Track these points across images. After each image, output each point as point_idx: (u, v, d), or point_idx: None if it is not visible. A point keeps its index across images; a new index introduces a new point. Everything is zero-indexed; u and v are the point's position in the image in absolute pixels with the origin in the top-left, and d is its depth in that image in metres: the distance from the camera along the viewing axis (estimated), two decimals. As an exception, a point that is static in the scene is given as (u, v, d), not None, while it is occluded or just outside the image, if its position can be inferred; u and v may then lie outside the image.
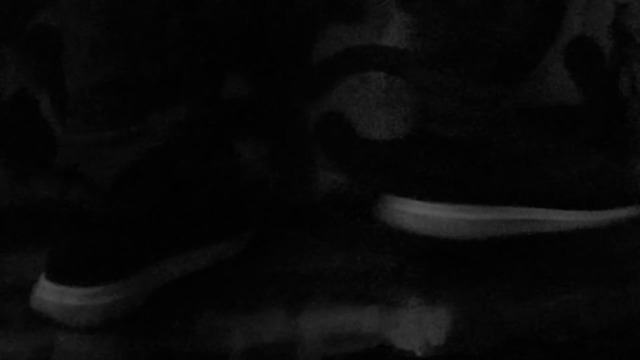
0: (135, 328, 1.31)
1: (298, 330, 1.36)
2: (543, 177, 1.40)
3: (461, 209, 1.37)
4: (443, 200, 1.37)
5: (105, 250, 1.29)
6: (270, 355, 1.31)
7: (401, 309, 1.39)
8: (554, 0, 1.42)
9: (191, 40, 1.32)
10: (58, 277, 1.28)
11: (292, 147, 1.53)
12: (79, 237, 1.29)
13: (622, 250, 1.43)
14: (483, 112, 1.36)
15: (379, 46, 1.52)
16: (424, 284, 1.39)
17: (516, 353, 1.40)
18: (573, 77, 1.53)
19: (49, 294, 1.28)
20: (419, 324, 1.39)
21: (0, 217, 1.51)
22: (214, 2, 1.35)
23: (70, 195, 1.30)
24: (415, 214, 1.37)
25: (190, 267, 1.37)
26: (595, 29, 1.52)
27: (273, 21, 1.49)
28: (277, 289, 1.38)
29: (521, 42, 1.39)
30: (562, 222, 1.41)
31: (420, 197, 1.37)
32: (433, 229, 1.37)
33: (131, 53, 1.29)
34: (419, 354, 1.39)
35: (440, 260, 1.42)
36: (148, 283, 1.33)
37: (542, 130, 1.41)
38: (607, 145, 1.54)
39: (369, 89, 1.53)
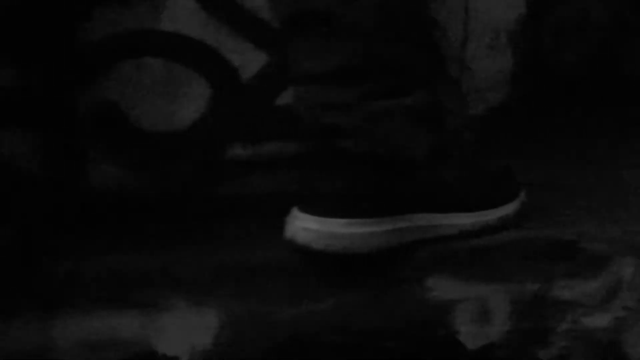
0: None
1: (52, 337, 1.30)
2: (440, 183, 1.38)
3: (366, 222, 1.34)
4: (336, 215, 1.33)
5: None
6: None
7: (165, 312, 1.34)
8: None
9: None
10: None
11: (62, 139, 1.46)
12: None
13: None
14: (382, 123, 1.33)
15: (156, 31, 1.46)
16: (190, 285, 1.34)
17: (291, 354, 1.36)
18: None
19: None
20: (185, 328, 1.34)
21: None
22: None
23: None
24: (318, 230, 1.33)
25: None
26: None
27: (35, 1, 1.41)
28: (31, 293, 1.32)
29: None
30: (459, 225, 1.39)
31: (324, 213, 1.33)
32: (340, 244, 1.33)
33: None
34: (184, 359, 1.34)
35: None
36: None
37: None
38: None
39: (145, 76, 1.47)
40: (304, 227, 1.34)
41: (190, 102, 1.49)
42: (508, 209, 1.46)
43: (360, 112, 1.32)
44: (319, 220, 1.33)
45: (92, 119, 1.46)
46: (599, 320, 1.44)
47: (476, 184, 1.45)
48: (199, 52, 1.47)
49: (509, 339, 1.42)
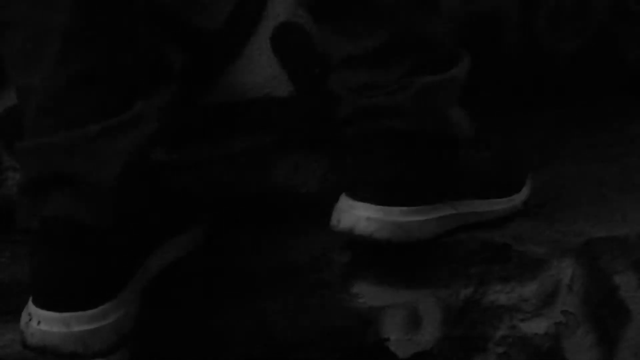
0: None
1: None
2: (478, 165, 1.43)
3: (423, 210, 1.37)
4: (396, 203, 1.35)
5: (105, 264, 1.23)
6: None
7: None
8: None
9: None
10: (58, 305, 1.22)
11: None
12: (72, 257, 1.23)
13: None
14: (428, 100, 1.36)
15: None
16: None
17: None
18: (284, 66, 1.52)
19: (52, 325, 1.22)
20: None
21: None
22: None
23: (51, 208, 1.23)
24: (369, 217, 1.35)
25: (165, 260, 1.33)
26: (300, 15, 1.52)
27: None
28: None
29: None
30: (497, 211, 1.44)
31: (373, 200, 1.35)
32: (405, 233, 1.36)
33: (105, 40, 1.25)
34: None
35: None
36: (138, 285, 1.28)
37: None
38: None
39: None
40: (366, 216, 1.35)
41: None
42: (526, 193, 1.50)
43: (406, 90, 1.35)
44: (382, 209, 1.35)
45: (6, 126, 1.49)
46: (538, 326, 1.47)
47: (503, 167, 1.49)
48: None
49: (442, 347, 1.45)
